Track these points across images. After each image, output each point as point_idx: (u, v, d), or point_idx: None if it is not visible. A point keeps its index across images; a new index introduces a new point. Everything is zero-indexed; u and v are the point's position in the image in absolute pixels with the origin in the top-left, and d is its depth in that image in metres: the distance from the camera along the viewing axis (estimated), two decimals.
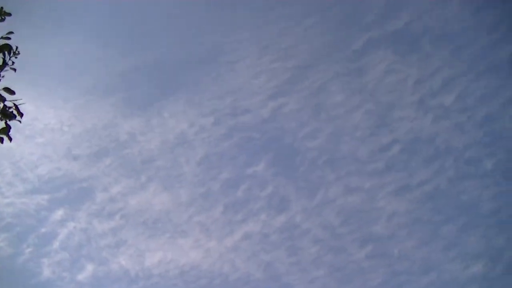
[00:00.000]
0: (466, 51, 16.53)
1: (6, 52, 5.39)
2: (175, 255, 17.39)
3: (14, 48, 5.44)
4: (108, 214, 17.98)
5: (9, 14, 5.51)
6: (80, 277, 17.14)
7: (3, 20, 5.39)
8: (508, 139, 16.06)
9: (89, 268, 17.27)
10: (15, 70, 5.46)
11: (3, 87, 5.37)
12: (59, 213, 17.52)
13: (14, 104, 5.44)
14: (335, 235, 16.63)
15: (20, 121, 5.46)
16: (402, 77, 16.60)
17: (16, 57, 5.41)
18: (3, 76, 5.28)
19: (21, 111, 5.45)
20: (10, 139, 5.47)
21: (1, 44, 5.37)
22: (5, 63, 5.37)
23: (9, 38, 5.47)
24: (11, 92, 5.45)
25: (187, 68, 18.29)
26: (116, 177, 18.10)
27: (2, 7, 5.37)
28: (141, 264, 17.57)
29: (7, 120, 5.38)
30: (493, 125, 16.04)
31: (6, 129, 5.49)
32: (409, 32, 17.26)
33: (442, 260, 16.44)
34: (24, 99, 5.32)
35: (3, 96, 5.43)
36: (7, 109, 5.39)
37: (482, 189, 16.18)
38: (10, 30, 5.45)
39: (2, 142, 5.41)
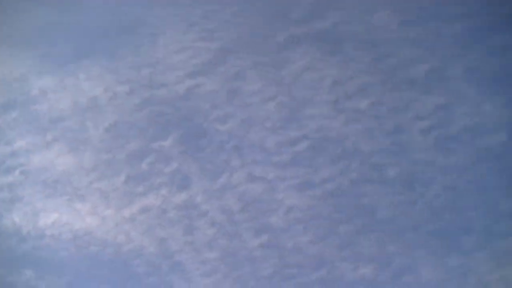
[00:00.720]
0: (387, 61, 16.85)
1: None
2: (70, 219, 17.16)
3: None
4: (7, 168, 17.58)
5: None
6: None
7: None
8: (413, 151, 16.47)
9: None
10: None
11: None
12: None
13: None
14: (232, 221, 16.70)
15: None
16: (320, 75, 16.82)
17: None
18: None
19: None
20: None
21: None
22: None
23: None
24: None
25: (107, 35, 18.10)
26: (21, 132, 17.73)
27: None
28: (34, 223, 17.25)
29: None
30: (401, 136, 16.43)
31: None
32: (334, 33, 17.51)
33: (334, 258, 16.73)
34: None
35: None
36: None
37: (382, 195, 16.54)
38: None
39: None
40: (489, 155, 16.30)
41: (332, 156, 16.59)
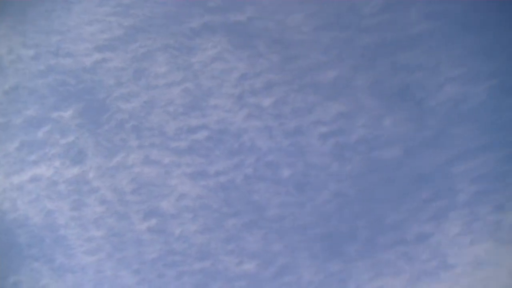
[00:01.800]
0: (296, 62, 16.93)
1: None
2: None
3: None
4: None
5: None
6: None
7: None
8: (309, 155, 16.61)
9: None
10: None
11: None
12: None
13: None
14: (122, 201, 16.52)
15: None
16: (228, 67, 16.76)
17: None
18: None
19: None
20: None
21: None
22: None
23: None
24: None
25: None
26: None
27: None
28: None
29: None
30: (299, 138, 16.55)
31: None
32: (248, 27, 17.48)
33: (219, 251, 16.76)
34: None
35: None
36: None
37: (273, 194, 16.64)
38: None
39: None
40: (382, 168, 16.65)
41: (229, 149, 16.61)
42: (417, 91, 17.52)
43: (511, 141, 17.43)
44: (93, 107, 17.78)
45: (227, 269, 17.24)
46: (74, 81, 17.58)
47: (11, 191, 17.06)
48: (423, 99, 17.53)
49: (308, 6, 17.60)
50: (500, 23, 17.66)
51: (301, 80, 17.51)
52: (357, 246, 17.18)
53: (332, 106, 17.54)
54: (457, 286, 17.09)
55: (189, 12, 18.08)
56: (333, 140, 17.36)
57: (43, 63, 17.59)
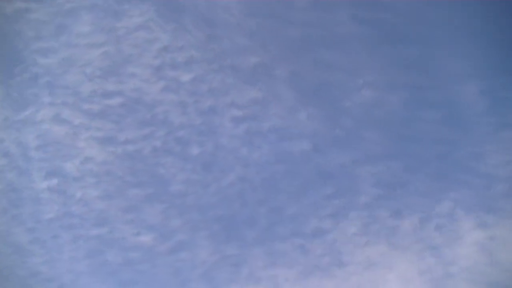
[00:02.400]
0: (220, 42, 16.93)
1: None
2: None
3: None
4: None
5: None
6: None
7: None
8: (220, 136, 16.63)
9: None
10: None
11: None
12: None
13: None
14: (26, 156, 16.18)
15: None
16: (152, 37, 16.63)
17: None
18: None
19: None
20: None
21: None
22: None
23: None
24: None
25: None
26: None
27: None
28: None
29: None
30: (213, 118, 16.56)
31: None
32: (179, 1, 17.39)
33: (118, 219, 16.60)
34: None
35: None
36: None
37: (179, 170, 16.58)
38: None
39: None
40: (289, 160, 16.82)
41: (141, 120, 16.51)
42: (335, 90, 17.82)
43: (416, 152, 17.90)
44: (9, 56, 17.39)
45: (124, 238, 17.14)
46: None
47: None
48: (339, 99, 17.83)
49: None
50: (423, 38, 18.16)
51: (222, 61, 17.57)
52: (255, 233, 17.31)
53: (249, 91, 17.67)
54: (347, 284, 17.42)
55: None
56: (246, 125, 17.48)
57: None
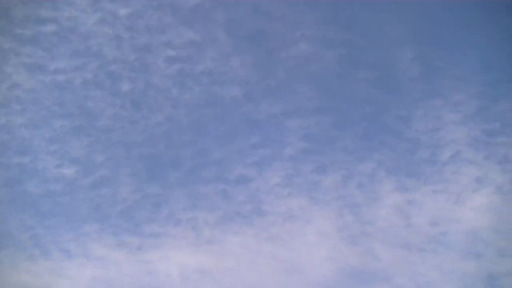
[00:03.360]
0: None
1: None
2: None
3: None
4: None
5: None
6: None
7: None
8: (152, 74, 16.58)
9: None
10: None
11: None
12: None
13: None
14: None
15: None
16: None
17: None
18: None
19: None
20: None
21: None
22: None
23: None
24: None
25: None
26: None
27: None
28: None
29: None
30: (146, 56, 16.47)
31: None
32: None
33: (42, 149, 16.46)
34: None
35: None
36: None
37: (108, 104, 16.54)
38: None
39: None
40: (219, 104, 16.87)
41: (74, 50, 16.30)
42: (271, 40, 17.88)
43: (346, 110, 18.16)
44: None
45: (46, 169, 17.02)
46: None
47: None
48: (275, 49, 17.91)
49: None
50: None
51: None
52: (178, 174, 17.39)
53: (186, 32, 17.61)
54: (266, 233, 17.66)
55: None
56: (179, 65, 17.46)
57: None
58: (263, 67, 16.85)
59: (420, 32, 17.18)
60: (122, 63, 16.49)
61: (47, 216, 16.51)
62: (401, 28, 17.09)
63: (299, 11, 16.94)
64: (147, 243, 16.85)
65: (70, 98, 16.56)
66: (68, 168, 16.47)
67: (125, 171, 16.67)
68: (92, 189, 16.37)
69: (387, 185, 16.86)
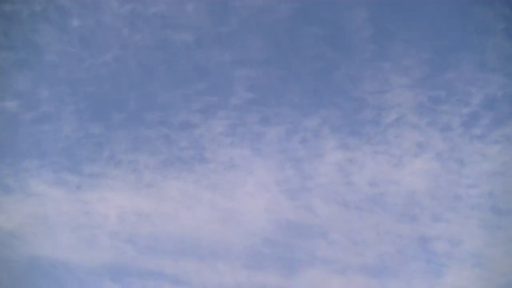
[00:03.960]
0: None
1: None
2: None
3: None
4: None
5: None
6: None
7: None
8: (103, 12, 16.38)
9: None
10: None
11: None
12: None
13: None
14: None
15: None
16: None
17: None
18: None
19: None
20: None
21: None
22: None
23: None
24: None
25: None
26: None
27: None
28: None
29: None
30: None
31: None
32: None
33: None
34: None
35: None
36: None
37: (56, 39, 16.13)
38: None
39: None
40: (169, 48, 16.87)
41: None
42: None
43: (295, 64, 18.16)
44: None
45: None
46: None
47: None
48: None
49: None
50: None
51: None
52: (122, 116, 17.30)
53: None
54: (207, 180, 17.73)
55: None
56: (131, 6, 17.24)
57: None
58: (217, 14, 16.78)
59: None
60: None
61: None
62: None
63: None
64: (86, 183, 16.82)
65: (16, 30, 16.26)
66: (10, 101, 16.23)
67: (68, 109, 16.57)
68: (34, 124, 16.25)
69: (330, 142, 17.08)
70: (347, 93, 17.26)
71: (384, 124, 16.97)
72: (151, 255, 16.06)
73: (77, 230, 16.11)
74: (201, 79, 16.64)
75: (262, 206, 16.68)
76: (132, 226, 16.37)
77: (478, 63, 17.00)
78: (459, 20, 17.18)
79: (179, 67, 16.48)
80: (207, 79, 16.68)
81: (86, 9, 15.67)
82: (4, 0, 15.25)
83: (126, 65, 16.12)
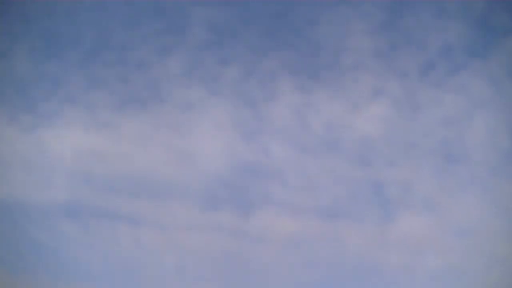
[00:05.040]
0: None
1: None
2: None
3: None
4: None
5: None
6: None
7: None
8: None
9: None
10: None
11: None
12: None
13: None
14: None
15: None
16: None
17: None
18: None
19: None
20: None
21: None
22: None
23: None
24: None
25: None
26: None
27: None
28: None
29: None
30: None
31: None
32: None
33: None
34: None
35: None
36: None
37: None
38: None
39: None
40: None
41: None
42: None
43: (253, 5, 17.82)
44: None
45: None
46: None
47: None
48: None
49: None
50: None
51: None
52: (78, 55, 17.12)
53: None
54: (163, 120, 17.60)
55: None
56: None
57: None
58: None
59: None
60: None
61: None
62: None
63: None
64: (41, 122, 16.60)
65: None
66: None
67: (23, 46, 16.19)
68: None
69: (286, 84, 17.04)
70: (305, 36, 17.21)
71: (341, 68, 16.96)
72: (107, 195, 16.09)
73: (32, 169, 15.92)
74: (158, 18, 16.37)
75: (218, 148, 16.72)
76: (88, 165, 16.31)
77: (437, 10, 16.88)
78: None
79: (136, 5, 16.20)
80: (165, 18, 16.43)
81: None
82: None
83: (82, 3, 15.76)
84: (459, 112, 16.91)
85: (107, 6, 15.99)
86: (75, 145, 16.65)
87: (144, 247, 16.02)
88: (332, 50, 17.22)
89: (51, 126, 16.53)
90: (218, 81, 16.84)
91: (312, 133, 17.19)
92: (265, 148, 17.20)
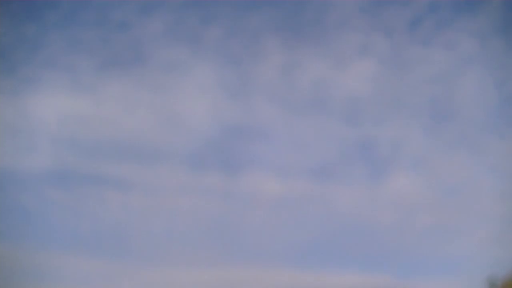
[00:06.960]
0: None
1: None
2: None
3: None
4: None
5: None
6: None
7: None
8: None
9: None
10: None
11: None
12: None
13: None
14: None
15: None
16: None
17: None
18: None
19: None
20: None
21: None
22: None
23: None
24: None
25: None
26: None
27: None
28: None
29: None
30: None
31: None
32: None
33: None
34: None
35: None
36: None
37: None
38: None
39: None
40: None
41: None
42: None
43: None
44: None
45: None
46: None
47: None
48: None
49: None
50: None
51: None
52: (56, 16, 16.54)
53: None
54: (146, 81, 17.21)
55: None
56: None
57: None
58: None
59: None
60: None
61: None
62: None
63: None
64: (22, 88, 16.23)
65: None
66: None
67: (0, 10, 15.66)
68: None
69: (272, 42, 16.71)
70: None
71: (327, 25, 16.60)
72: (94, 160, 15.82)
73: (15, 136, 15.61)
74: None
75: (204, 109, 16.46)
76: (72, 130, 16.01)
77: None
78: None
79: None
80: None
81: None
82: None
83: None
84: (447, 69, 16.57)
85: None
86: (58, 109, 16.35)
87: (133, 211, 15.81)
88: (318, 7, 16.74)
89: (33, 91, 16.14)
90: (201, 40, 16.44)
91: (299, 92, 16.93)
92: (252, 108, 16.94)
